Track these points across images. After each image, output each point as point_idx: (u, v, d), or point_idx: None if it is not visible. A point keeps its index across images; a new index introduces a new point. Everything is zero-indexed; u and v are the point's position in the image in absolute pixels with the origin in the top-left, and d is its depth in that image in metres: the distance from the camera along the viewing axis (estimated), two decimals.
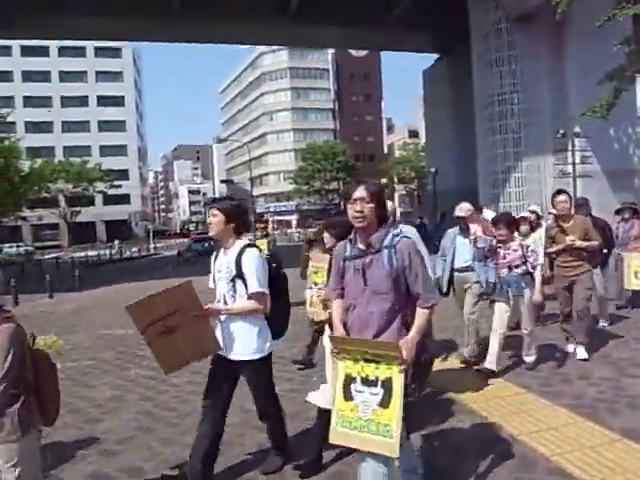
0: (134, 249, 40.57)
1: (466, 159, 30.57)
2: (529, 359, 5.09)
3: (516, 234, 5.60)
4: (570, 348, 5.47)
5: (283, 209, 67.91)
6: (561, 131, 22.26)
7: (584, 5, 10.76)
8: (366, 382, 2.35)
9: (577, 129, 21.81)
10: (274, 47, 61.97)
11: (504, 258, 4.99)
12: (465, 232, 5.32)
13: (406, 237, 2.54)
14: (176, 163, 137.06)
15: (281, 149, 70.80)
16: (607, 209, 13.66)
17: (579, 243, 5.18)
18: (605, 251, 6.60)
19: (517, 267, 4.98)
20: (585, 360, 5.19)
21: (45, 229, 59.28)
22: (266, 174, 72.47)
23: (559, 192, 5.48)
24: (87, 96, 65.34)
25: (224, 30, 30.09)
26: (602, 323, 6.65)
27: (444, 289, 5.45)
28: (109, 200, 60.27)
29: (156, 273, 19.32)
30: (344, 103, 70.57)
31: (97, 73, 65.95)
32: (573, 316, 5.37)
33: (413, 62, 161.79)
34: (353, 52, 66.06)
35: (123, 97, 67.35)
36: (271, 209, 69.12)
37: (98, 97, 65.46)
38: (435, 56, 36.26)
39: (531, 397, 4.32)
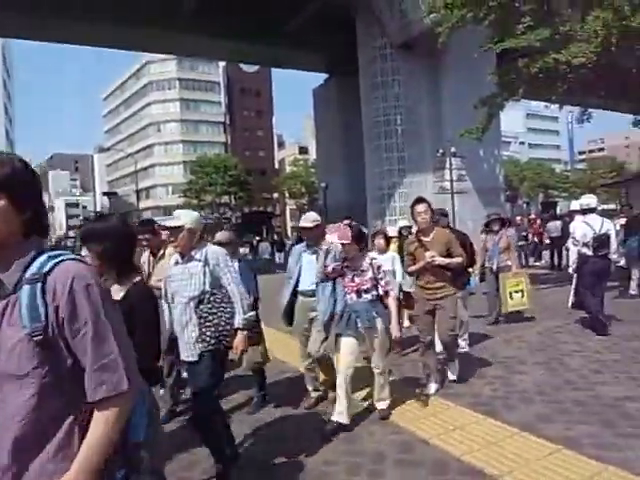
0: None
1: (355, 175, 31.88)
2: (381, 405, 4.22)
3: (373, 252, 5.25)
4: (432, 388, 4.72)
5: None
6: (440, 151, 24.11)
7: (460, 37, 11.82)
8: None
9: (453, 149, 23.75)
10: (162, 56, 59.86)
11: (352, 281, 4.03)
12: (312, 248, 4.50)
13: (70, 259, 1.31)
14: (51, 173, 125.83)
15: (170, 161, 68.16)
16: (480, 223, 15.06)
17: (440, 260, 4.50)
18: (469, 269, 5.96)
19: (367, 292, 4.01)
20: (454, 381, 5.00)
21: None
22: (153, 186, 69.20)
23: (418, 201, 4.71)
24: None
25: (107, 33, 28.36)
26: (462, 344, 5.94)
27: (286, 319, 4.62)
28: None
29: None
30: (235, 117, 70.10)
31: None
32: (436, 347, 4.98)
33: (304, 79, 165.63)
34: (244, 67, 66.09)
35: None
36: (159, 223, 66.05)
37: None
38: (325, 75, 37.48)
39: (435, 400, 4.52)
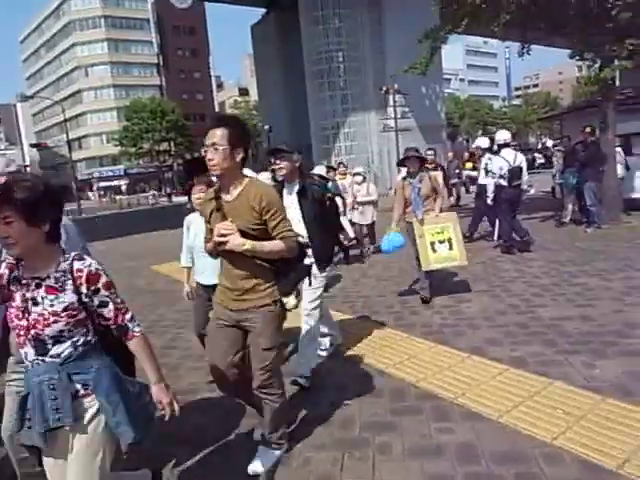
0: None
1: (299, 116, 31.24)
2: None
3: None
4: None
5: (110, 174, 62.25)
6: (384, 88, 23.89)
7: None
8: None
9: (396, 86, 23.60)
10: None
11: None
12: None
13: None
14: None
15: (101, 107, 63.87)
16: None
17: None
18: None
19: None
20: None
21: None
22: (85, 136, 65.06)
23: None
24: None
25: None
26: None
27: None
28: None
29: None
30: (169, 58, 65.93)
31: None
32: None
33: (240, 15, 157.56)
34: (175, 2, 61.67)
35: None
36: (95, 174, 62.88)
37: None
38: (262, 11, 35.71)
39: (389, 331, 4.67)
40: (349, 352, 4.26)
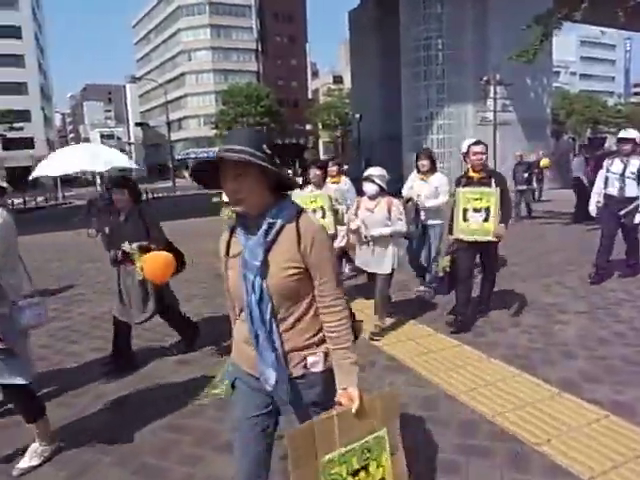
0: (40, 198, 37.23)
1: (391, 106, 30.40)
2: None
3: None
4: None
5: (204, 155, 65.00)
6: (484, 78, 22.49)
7: None
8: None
9: (498, 77, 22.13)
10: None
11: None
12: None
13: None
14: (86, 104, 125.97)
15: (201, 91, 66.76)
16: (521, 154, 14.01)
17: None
18: None
19: None
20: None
21: None
22: (185, 118, 68.42)
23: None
24: None
25: None
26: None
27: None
28: (10, 144, 54.40)
29: (65, 224, 17.62)
30: (268, 44, 67.29)
31: None
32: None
33: (339, 3, 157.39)
34: None
35: (20, 28, 59.67)
36: (191, 155, 66.00)
37: None
38: None
39: (466, 350, 4.14)
40: (416, 369, 3.80)
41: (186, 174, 65.02)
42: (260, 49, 67.25)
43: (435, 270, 5.65)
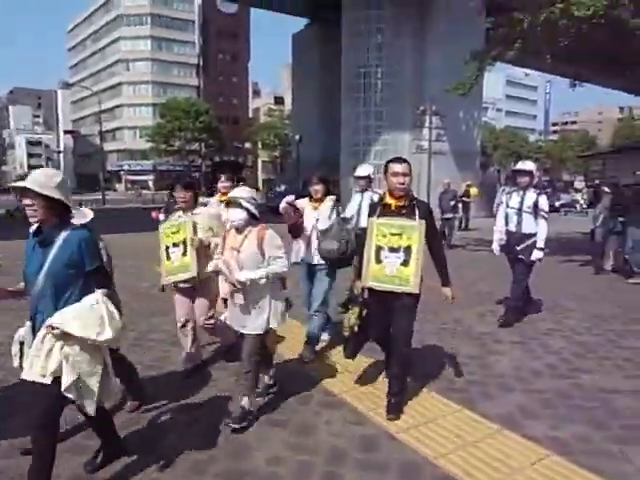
0: None
1: (331, 128, 30.85)
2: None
3: None
4: None
5: (139, 168, 62.82)
6: (421, 107, 23.32)
7: None
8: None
9: (434, 107, 23.02)
10: None
11: None
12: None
13: None
14: (12, 109, 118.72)
15: (138, 102, 64.74)
16: (453, 186, 14.49)
17: None
18: None
19: None
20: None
21: None
22: (119, 128, 65.97)
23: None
24: None
25: None
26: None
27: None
28: None
29: None
30: (209, 60, 66.69)
31: None
32: None
33: (282, 26, 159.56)
34: (222, 7, 62.46)
35: None
36: (125, 167, 63.58)
37: None
38: (305, 21, 35.63)
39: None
40: (350, 402, 3.61)
41: (118, 186, 62.49)
42: (202, 64, 66.52)
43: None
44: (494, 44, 9.67)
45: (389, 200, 3.46)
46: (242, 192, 3.29)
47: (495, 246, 5.88)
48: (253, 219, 3.28)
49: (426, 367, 4.36)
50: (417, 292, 3.36)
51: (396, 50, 25.93)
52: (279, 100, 74.66)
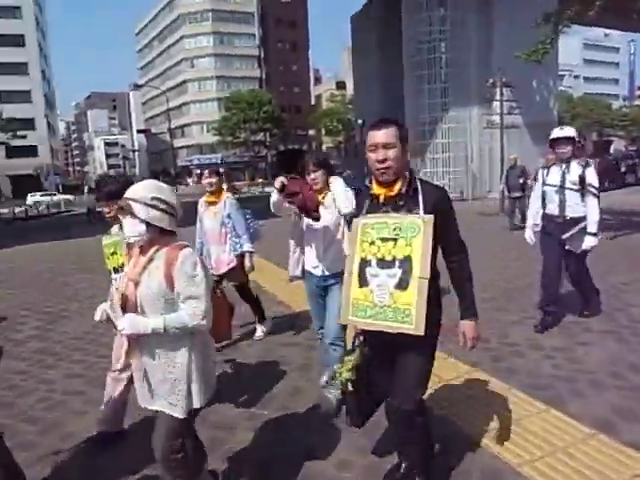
0: (42, 206, 37.08)
1: (393, 110, 29.96)
2: None
3: None
4: None
5: (207, 162, 64.87)
6: (490, 80, 22.10)
7: None
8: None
9: (504, 79, 21.75)
10: None
11: None
12: None
13: None
14: (90, 112, 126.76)
15: (203, 98, 66.76)
16: (528, 161, 13.55)
17: None
18: None
19: None
20: None
21: None
22: (188, 124, 68.41)
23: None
24: None
25: None
26: None
27: None
28: (13, 152, 54.46)
29: (63, 233, 17.31)
30: (270, 51, 67.30)
31: None
32: None
33: (340, 10, 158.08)
34: None
35: (23, 36, 59.87)
36: (194, 162, 65.90)
37: None
38: (364, 0, 34.80)
39: (483, 377, 3.70)
40: (429, 402, 3.38)
41: (189, 180, 64.92)
42: (262, 56, 67.26)
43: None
44: (569, 4, 8.80)
45: (376, 189, 2.23)
46: (140, 190, 2.05)
47: (529, 233, 4.90)
48: (160, 233, 2.07)
49: (505, 361, 4.02)
50: (421, 333, 2.03)
51: (460, 21, 24.64)
52: (341, 85, 74.01)
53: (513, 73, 20.88)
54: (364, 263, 2.17)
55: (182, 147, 66.53)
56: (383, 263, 2.12)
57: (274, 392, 3.70)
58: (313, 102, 73.84)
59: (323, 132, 66.12)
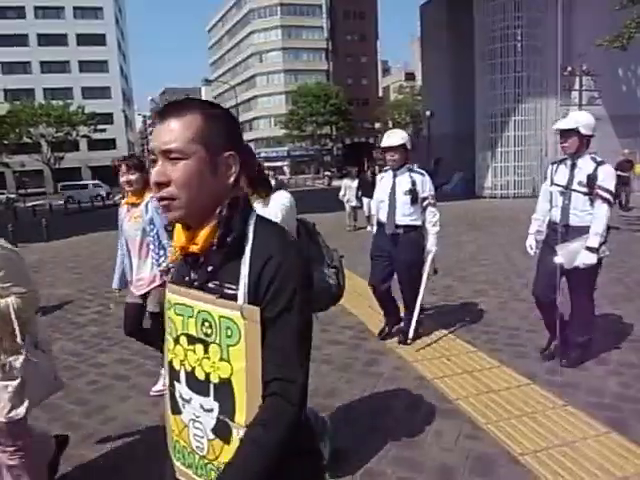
0: (119, 196, 39.29)
1: (464, 102, 28.91)
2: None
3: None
4: None
5: (274, 155, 65.96)
6: (569, 68, 20.71)
7: None
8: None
9: (585, 67, 20.30)
10: None
11: None
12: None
13: None
14: None
15: (271, 92, 67.80)
16: (610, 155, 12.52)
17: None
18: None
19: None
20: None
21: (29, 175, 57.44)
22: (256, 118, 69.80)
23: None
24: (66, 34, 61.65)
25: None
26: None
27: None
28: (94, 145, 58.14)
29: None
30: (338, 43, 67.04)
31: (75, 9, 61.96)
32: None
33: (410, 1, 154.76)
34: None
35: (104, 35, 63.60)
36: (262, 155, 67.22)
37: (77, 35, 61.80)
38: None
39: (537, 391, 3.38)
40: (471, 415, 3.13)
41: None
42: (330, 48, 67.16)
43: None
44: None
45: (177, 236, 1.14)
46: None
47: (530, 241, 3.98)
48: None
49: (565, 375, 3.66)
50: None
51: (538, 6, 23.23)
52: (410, 76, 72.50)
53: (596, 60, 19.44)
54: (173, 372, 1.18)
55: (250, 140, 67.98)
56: (194, 382, 1.12)
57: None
58: (381, 94, 72.91)
59: (390, 124, 65.18)
